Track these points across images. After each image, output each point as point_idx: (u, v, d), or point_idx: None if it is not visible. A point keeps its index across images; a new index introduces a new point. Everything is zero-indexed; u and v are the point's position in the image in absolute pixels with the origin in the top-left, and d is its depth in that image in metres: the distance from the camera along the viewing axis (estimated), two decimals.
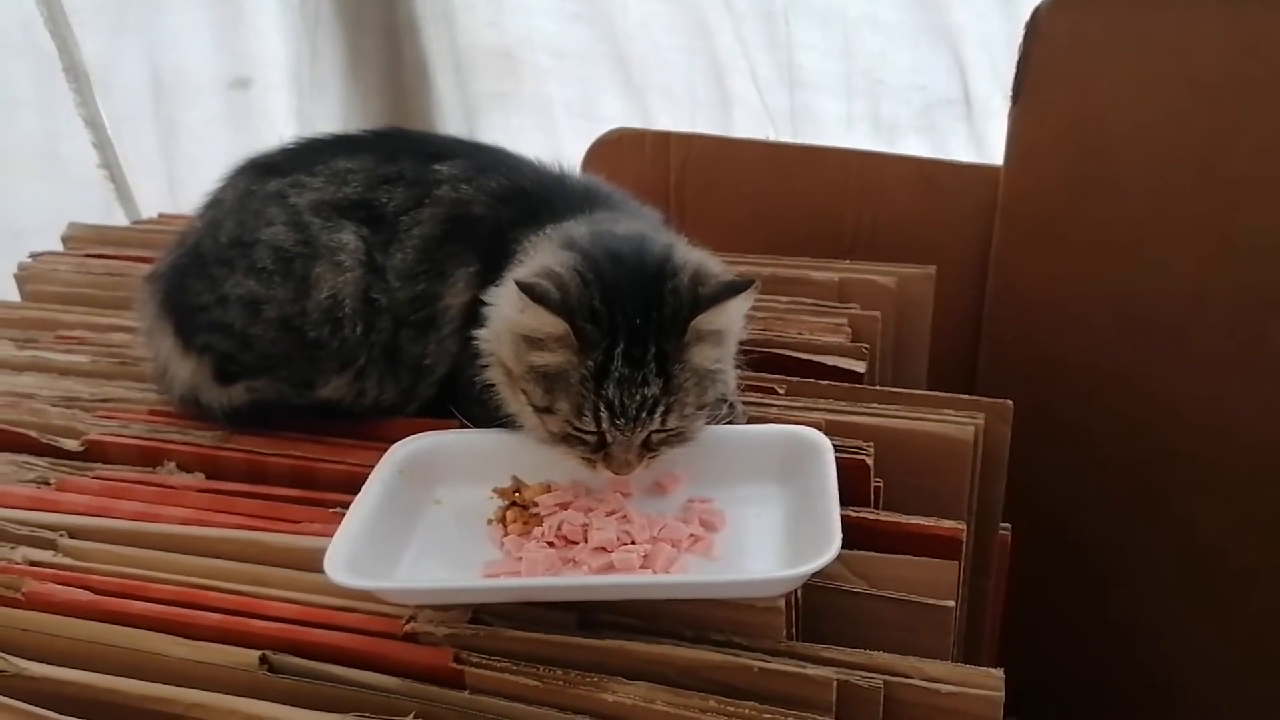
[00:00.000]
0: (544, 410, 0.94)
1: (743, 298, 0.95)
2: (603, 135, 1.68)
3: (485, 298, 1.00)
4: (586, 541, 0.90)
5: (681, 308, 0.93)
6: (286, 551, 0.93)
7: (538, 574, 0.87)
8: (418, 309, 1.08)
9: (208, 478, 1.06)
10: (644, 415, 0.92)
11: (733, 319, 0.97)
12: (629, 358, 0.91)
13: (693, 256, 0.99)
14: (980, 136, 1.76)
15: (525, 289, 0.90)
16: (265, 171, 1.14)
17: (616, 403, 0.91)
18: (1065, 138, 1.44)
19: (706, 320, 0.93)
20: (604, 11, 1.92)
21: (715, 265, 1.01)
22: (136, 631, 0.86)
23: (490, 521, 0.95)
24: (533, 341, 0.93)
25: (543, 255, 0.98)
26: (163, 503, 1.01)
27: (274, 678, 0.81)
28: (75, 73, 1.81)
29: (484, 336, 0.99)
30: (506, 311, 0.95)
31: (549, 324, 0.91)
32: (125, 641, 0.85)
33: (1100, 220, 1.45)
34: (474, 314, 1.04)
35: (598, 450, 0.94)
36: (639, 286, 0.94)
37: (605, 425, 0.92)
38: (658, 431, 0.94)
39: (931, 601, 0.88)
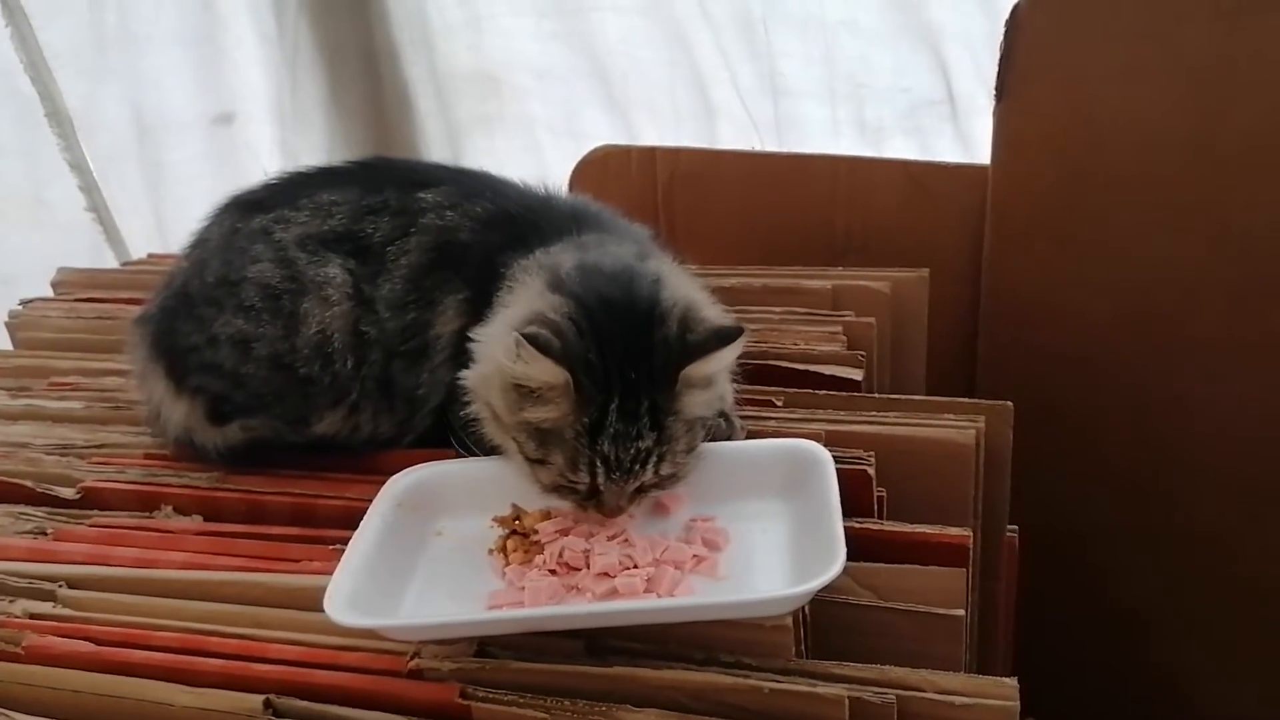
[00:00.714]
0: (537, 461, 0.93)
1: (731, 348, 0.93)
2: (588, 153, 1.68)
3: (472, 334, 0.98)
4: (589, 568, 0.89)
5: (671, 356, 0.92)
6: (287, 592, 0.92)
7: (541, 603, 0.86)
8: (409, 339, 1.07)
9: (205, 520, 1.05)
10: (637, 468, 0.91)
11: (723, 364, 0.96)
12: (623, 412, 0.90)
13: (681, 294, 0.98)
14: (966, 136, 1.75)
15: (530, 339, 0.88)
16: (249, 208, 1.13)
17: (612, 457, 0.90)
18: (1052, 131, 1.43)
19: (696, 369, 0.92)
20: (583, 29, 1.92)
21: (703, 301, 1.00)
22: (140, 681, 0.85)
23: (491, 551, 0.94)
24: (527, 394, 0.91)
25: (530, 296, 0.96)
26: (161, 548, 1.00)
27: None
28: (58, 117, 1.81)
29: (470, 377, 0.97)
30: (499, 358, 0.92)
31: (549, 375, 0.89)
32: (128, 692, 0.84)
33: (1092, 212, 1.44)
34: (465, 342, 1.02)
35: (590, 498, 0.93)
36: (630, 335, 0.92)
37: (601, 480, 0.91)
38: (650, 480, 0.93)
39: (941, 611, 0.87)
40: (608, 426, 0.90)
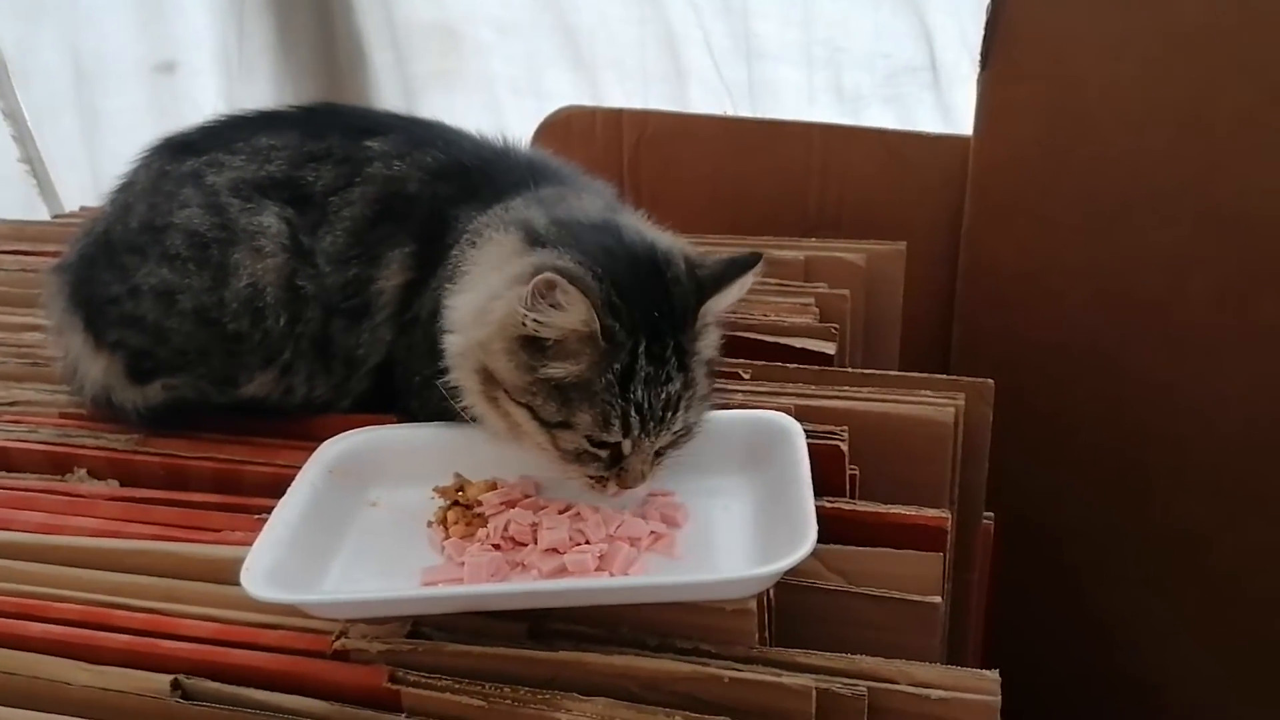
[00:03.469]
0: (558, 425, 0.86)
1: (750, 275, 0.89)
2: (551, 114, 1.62)
3: (446, 300, 0.92)
4: (536, 543, 0.84)
5: (688, 295, 0.88)
6: (205, 563, 0.86)
7: (481, 580, 0.80)
8: (349, 295, 1.01)
9: (121, 485, 0.99)
10: (669, 415, 0.86)
11: (739, 295, 0.91)
12: (651, 356, 0.85)
13: (672, 243, 0.93)
14: (948, 106, 1.71)
15: (563, 275, 0.81)
16: (180, 150, 1.07)
17: (646, 406, 0.85)
18: (1038, 102, 1.38)
19: (715, 303, 0.89)
20: None
21: (693, 251, 0.95)
22: (35, 656, 0.79)
23: (430, 524, 0.88)
24: (544, 348, 0.84)
25: (506, 254, 0.90)
26: (70, 513, 0.95)
27: (187, 705, 0.75)
28: None
29: (451, 345, 0.90)
30: (499, 312, 0.86)
31: (576, 320, 0.82)
32: (20, 668, 0.79)
33: (1076, 189, 1.40)
34: (409, 298, 0.99)
35: (611, 465, 0.87)
36: (643, 279, 0.87)
37: (635, 431, 0.85)
38: (675, 432, 0.88)
39: (916, 598, 0.82)
40: (639, 372, 0.84)
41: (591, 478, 0.87)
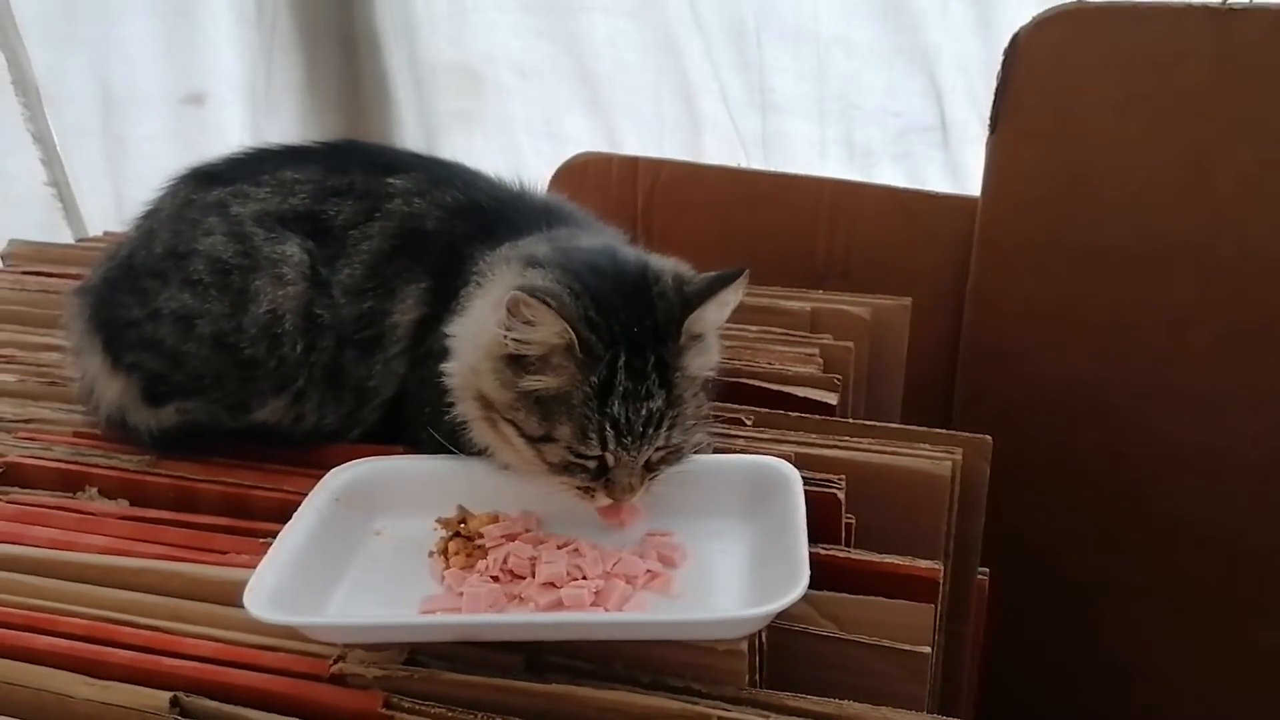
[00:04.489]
0: (540, 440, 0.88)
1: (734, 288, 0.90)
2: (569, 160, 1.64)
3: (447, 330, 0.94)
4: (534, 576, 0.84)
5: (672, 309, 0.89)
6: (209, 584, 0.87)
7: (479, 610, 0.81)
8: (363, 327, 1.02)
9: (132, 504, 1.00)
10: (650, 431, 0.87)
11: (721, 316, 0.92)
12: (631, 370, 0.86)
13: (667, 263, 0.96)
14: (956, 164, 1.72)
15: (528, 292, 0.83)
16: (207, 180, 1.09)
17: (623, 420, 0.86)
18: (1045, 163, 1.40)
19: (698, 318, 0.89)
20: (570, 28, 1.88)
21: (690, 270, 0.96)
22: (40, 669, 0.80)
23: (432, 554, 0.89)
24: (524, 363, 0.87)
25: (507, 277, 0.93)
26: (80, 530, 0.95)
27: None
28: (24, 86, 1.76)
29: (451, 374, 0.93)
30: (486, 335, 0.88)
31: (550, 333, 0.85)
32: (26, 680, 0.79)
33: (1081, 245, 1.41)
34: (423, 333, 1.00)
35: (598, 477, 0.88)
36: (626, 294, 0.89)
37: (612, 446, 0.86)
38: (661, 449, 0.89)
39: (906, 647, 0.82)
40: (617, 386, 0.86)
41: (579, 488, 0.89)
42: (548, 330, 0.84)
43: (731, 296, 0.91)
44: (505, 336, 0.86)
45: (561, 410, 0.87)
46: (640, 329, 0.87)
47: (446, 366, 0.93)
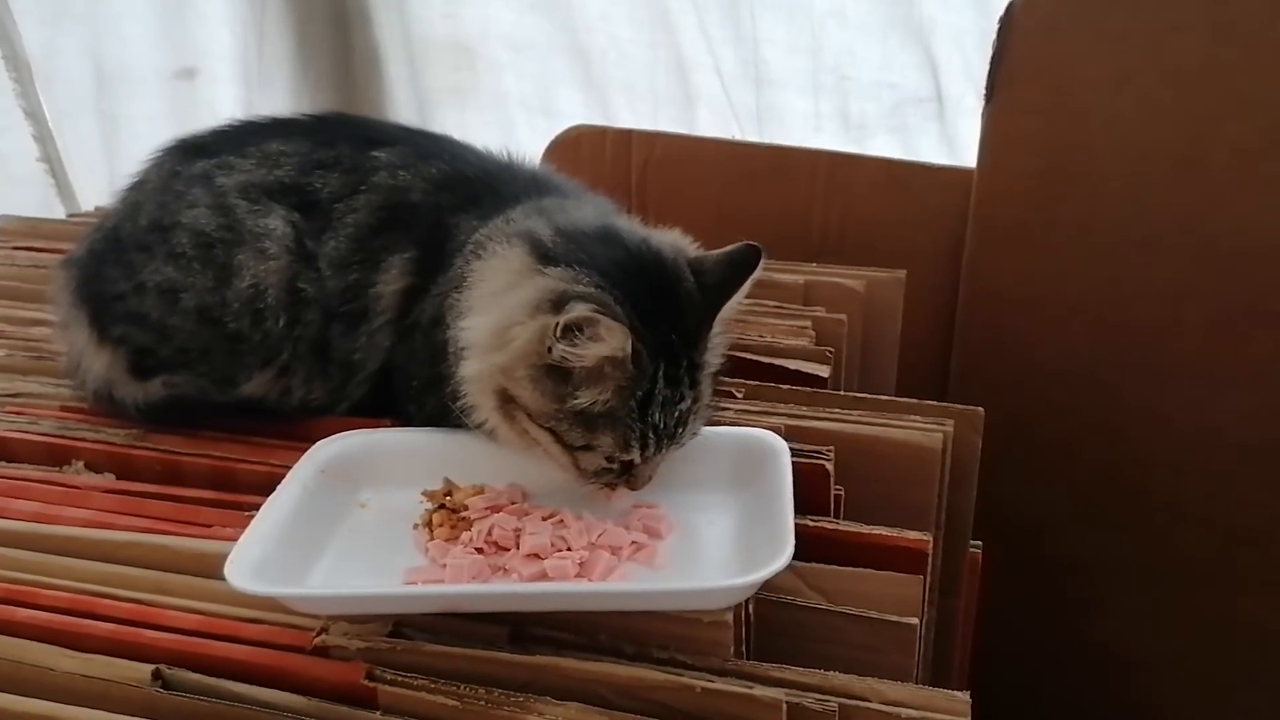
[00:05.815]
0: (580, 448, 0.87)
1: (754, 275, 0.90)
2: (561, 133, 1.63)
3: (460, 322, 0.91)
4: (518, 547, 0.84)
5: (699, 310, 0.89)
6: (193, 557, 0.86)
7: (462, 581, 0.80)
8: (349, 300, 1.01)
9: (118, 478, 1.00)
10: (680, 431, 0.88)
11: (745, 294, 0.92)
12: (669, 377, 0.86)
13: (666, 241, 0.94)
14: (952, 136, 1.71)
15: (594, 313, 0.81)
16: (193, 152, 1.08)
17: (661, 425, 0.86)
18: (1040, 135, 1.39)
19: (722, 314, 0.90)
20: (563, 2, 1.87)
21: (691, 246, 0.96)
22: (21, 642, 0.79)
23: (416, 526, 0.89)
24: (571, 376, 0.85)
25: (512, 270, 0.90)
26: (65, 503, 0.95)
27: (167, 694, 0.75)
28: (16, 63, 1.74)
29: (468, 371, 0.90)
30: (521, 340, 0.85)
31: (611, 350, 0.82)
32: (6, 652, 0.79)
33: (1076, 220, 1.40)
34: (409, 303, 1.00)
35: (623, 474, 0.89)
36: (658, 300, 0.88)
37: (651, 450, 0.87)
38: (683, 443, 0.89)
39: (894, 618, 0.82)
40: (657, 395, 0.86)
41: (604, 485, 0.90)
42: (608, 347, 0.83)
43: (750, 281, 0.90)
44: (555, 347, 0.83)
45: (606, 422, 0.86)
46: (676, 336, 0.87)
47: (462, 360, 0.90)
